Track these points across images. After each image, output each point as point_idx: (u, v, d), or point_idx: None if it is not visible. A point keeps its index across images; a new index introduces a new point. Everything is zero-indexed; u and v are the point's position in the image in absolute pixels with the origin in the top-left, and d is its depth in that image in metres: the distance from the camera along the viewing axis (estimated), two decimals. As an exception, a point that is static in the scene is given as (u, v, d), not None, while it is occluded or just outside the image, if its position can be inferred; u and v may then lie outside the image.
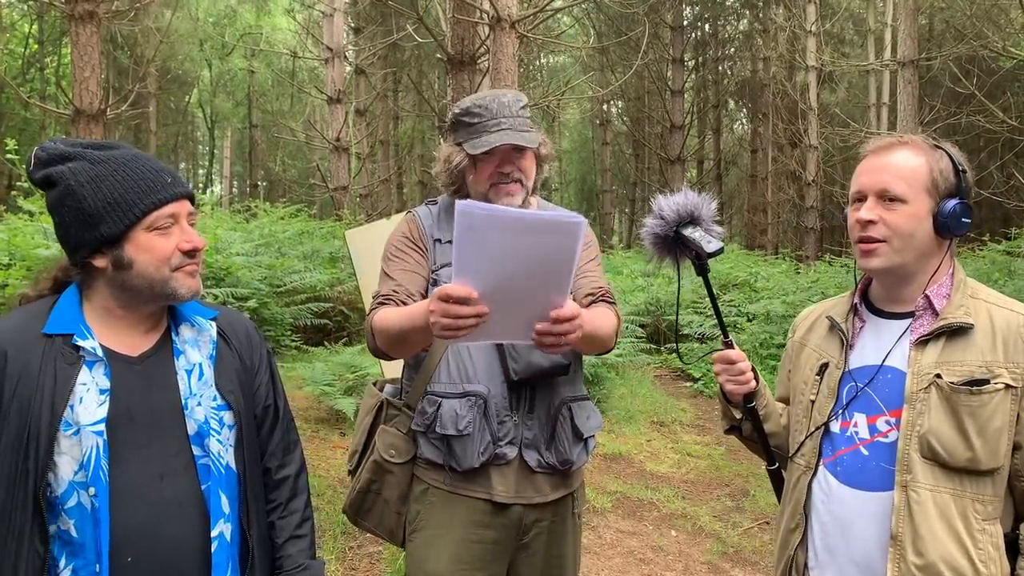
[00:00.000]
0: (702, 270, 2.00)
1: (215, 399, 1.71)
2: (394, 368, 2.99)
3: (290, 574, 1.81)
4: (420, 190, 25.47)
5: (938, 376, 1.71)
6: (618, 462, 6.50)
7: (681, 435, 7.48)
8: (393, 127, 25.42)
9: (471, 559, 2.17)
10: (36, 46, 26.49)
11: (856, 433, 1.83)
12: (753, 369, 2.04)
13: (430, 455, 2.20)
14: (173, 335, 1.73)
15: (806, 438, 1.94)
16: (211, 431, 1.67)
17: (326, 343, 8.64)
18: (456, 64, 7.12)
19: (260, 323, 8.44)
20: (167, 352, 1.70)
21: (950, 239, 1.79)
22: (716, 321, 2.10)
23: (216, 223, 11.08)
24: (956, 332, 1.74)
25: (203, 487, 1.65)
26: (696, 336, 10.45)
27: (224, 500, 1.67)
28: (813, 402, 1.94)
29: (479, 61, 7.34)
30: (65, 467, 1.54)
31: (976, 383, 1.68)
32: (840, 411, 1.87)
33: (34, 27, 26.19)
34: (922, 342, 1.76)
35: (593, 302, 2.27)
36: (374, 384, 2.46)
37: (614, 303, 2.31)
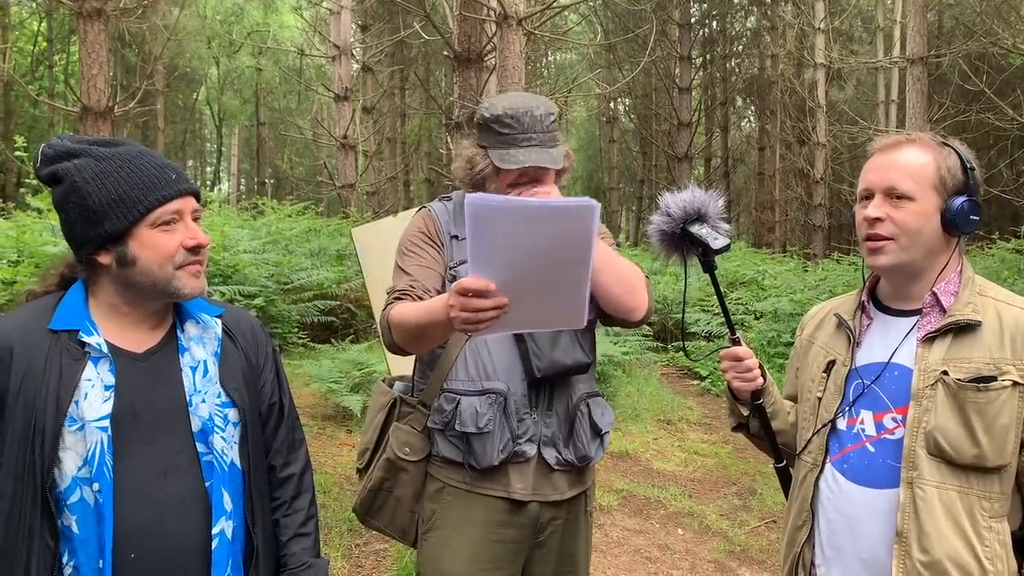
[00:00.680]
0: (709, 267, 1.99)
1: (219, 396, 1.71)
2: (402, 365, 2.97)
3: (294, 572, 1.80)
4: (427, 188, 25.49)
5: (945, 373, 1.71)
6: (625, 460, 6.49)
7: (688, 433, 7.47)
8: (400, 125, 25.45)
9: (489, 559, 2.16)
10: (45, 44, 26.58)
11: (863, 430, 1.83)
12: (761, 366, 2.03)
13: (448, 453, 2.18)
14: (178, 332, 1.73)
15: (813, 435, 1.94)
16: (215, 428, 1.67)
17: (333, 340, 8.66)
18: (463, 61, 7.11)
19: (267, 320, 8.46)
20: (172, 349, 1.71)
21: (958, 237, 1.79)
22: (723, 319, 2.10)
23: (223, 220, 11.10)
24: (964, 329, 1.73)
25: (207, 484, 1.65)
26: (703, 334, 10.43)
27: (227, 497, 1.67)
28: (820, 399, 1.94)
29: (486, 58, 7.33)
30: (69, 463, 1.54)
31: (983, 380, 1.67)
32: (847, 408, 1.87)
33: (43, 25, 26.28)
34: (929, 339, 1.76)
35: None
36: (383, 381, 2.45)
37: (647, 278, 2.29)
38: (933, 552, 1.67)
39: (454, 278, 2.18)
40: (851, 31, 26.81)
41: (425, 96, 23.05)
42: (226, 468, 1.68)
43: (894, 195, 1.78)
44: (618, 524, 5.09)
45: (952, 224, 1.75)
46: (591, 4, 21.67)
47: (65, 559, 1.55)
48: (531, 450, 2.16)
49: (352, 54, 16.45)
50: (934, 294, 1.79)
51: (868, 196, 1.83)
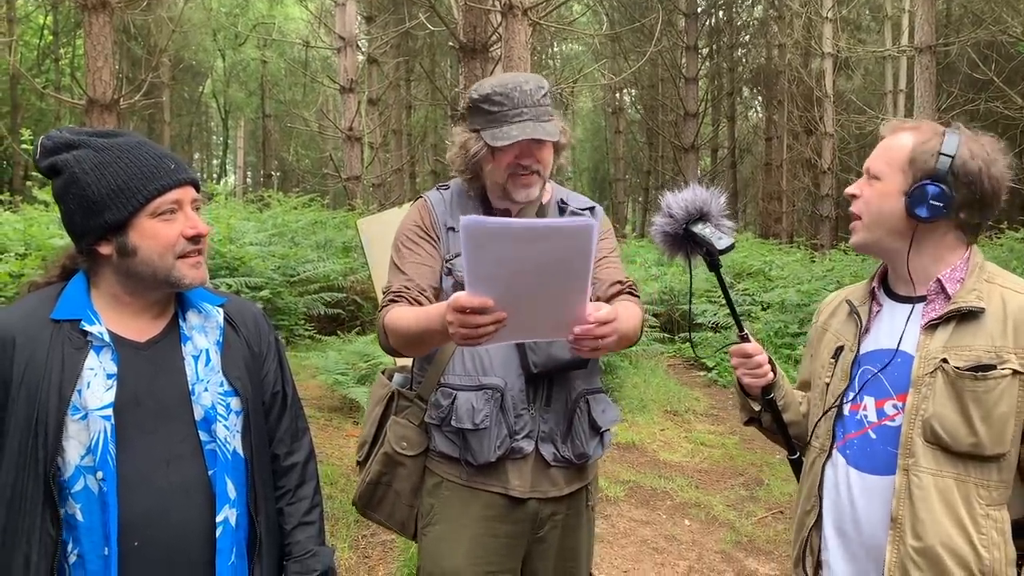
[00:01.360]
0: (714, 266, 1.98)
1: (222, 385, 1.71)
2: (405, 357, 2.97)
3: (299, 560, 1.81)
4: (433, 179, 25.46)
5: (944, 361, 1.70)
6: (631, 451, 6.49)
7: (695, 424, 7.46)
8: (406, 116, 25.41)
9: (487, 554, 2.15)
10: (51, 37, 26.61)
11: (865, 416, 1.84)
12: (770, 360, 2.02)
13: (445, 448, 2.16)
14: (180, 321, 1.73)
15: (819, 420, 1.94)
16: (218, 417, 1.68)
17: (339, 332, 8.65)
18: (468, 52, 7.09)
19: (273, 312, 8.47)
20: (174, 338, 1.71)
21: (917, 221, 1.75)
22: (730, 311, 2.08)
23: (230, 213, 11.11)
24: (967, 316, 1.72)
25: (210, 473, 1.66)
26: (710, 325, 10.42)
27: (230, 486, 1.68)
28: (828, 385, 1.94)
29: (491, 49, 7.30)
30: (72, 451, 1.55)
31: (982, 368, 1.66)
32: (851, 395, 1.87)
33: (48, 18, 26.30)
34: (932, 326, 1.75)
35: (619, 293, 2.25)
36: (383, 373, 2.43)
37: (638, 296, 2.30)
38: (926, 538, 1.67)
39: (450, 271, 2.17)
40: (859, 20, 26.65)
41: (431, 87, 23.03)
42: (229, 456, 1.68)
43: (870, 175, 1.83)
44: (625, 515, 5.09)
45: (909, 208, 1.74)
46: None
47: (69, 547, 1.56)
48: (528, 446, 2.14)
49: (357, 46, 16.42)
50: (939, 281, 1.78)
51: None
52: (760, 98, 31.41)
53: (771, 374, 2.00)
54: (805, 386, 2.14)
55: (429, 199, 2.29)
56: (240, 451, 1.72)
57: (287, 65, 29.75)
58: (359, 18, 18.64)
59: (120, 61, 22.22)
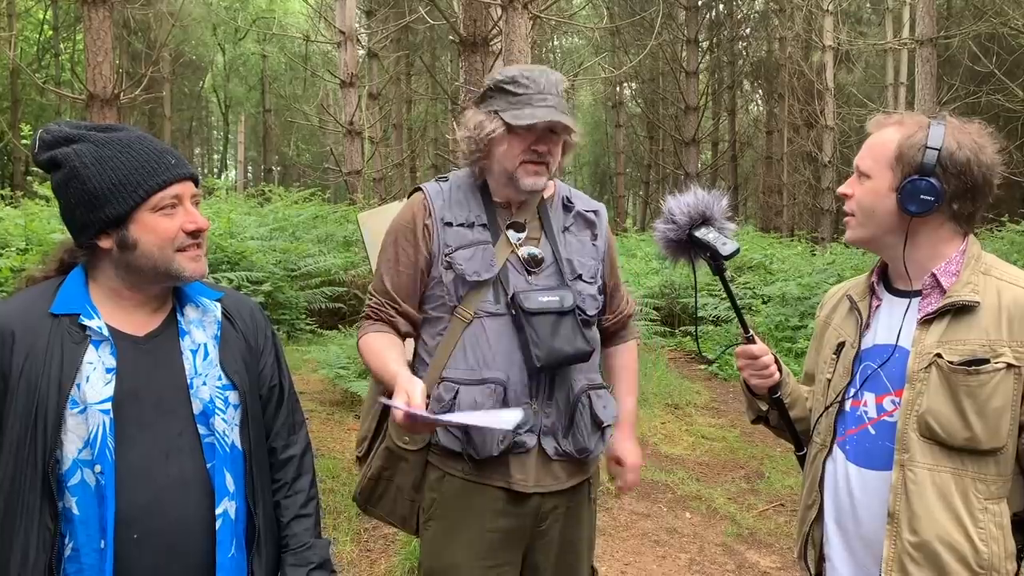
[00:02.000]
0: (718, 270, 1.97)
1: (220, 379, 1.72)
2: (407, 350, 2.97)
3: (295, 552, 1.81)
4: (433, 173, 25.38)
5: (938, 356, 1.69)
6: (632, 444, 6.49)
7: (696, 417, 7.47)
8: (406, 111, 25.38)
9: (489, 548, 2.14)
10: (51, 32, 26.57)
11: (865, 412, 1.84)
12: (776, 360, 2.02)
13: (447, 443, 2.15)
14: (179, 315, 1.74)
15: (820, 416, 1.94)
16: (216, 410, 1.68)
17: (340, 326, 8.67)
18: (469, 46, 7.08)
19: (274, 307, 8.48)
20: (173, 332, 1.72)
21: (910, 216, 1.75)
22: (735, 314, 2.08)
23: (230, 208, 11.13)
24: (962, 310, 1.71)
25: (208, 466, 1.66)
26: (711, 319, 10.42)
27: (229, 478, 1.68)
28: (830, 381, 1.94)
29: (492, 43, 7.28)
30: (70, 445, 1.56)
31: (975, 362, 1.66)
32: (853, 391, 1.87)
33: (48, 13, 26.26)
34: (927, 321, 1.75)
35: (624, 329, 2.48)
36: None
37: (633, 315, 2.44)
38: (923, 534, 1.67)
39: (450, 264, 2.16)
40: (859, 12, 26.59)
41: (431, 81, 22.98)
42: (227, 450, 1.69)
43: (859, 173, 1.83)
44: (626, 508, 5.10)
45: (901, 203, 1.74)
46: (597, -13, 21.53)
47: (65, 540, 1.57)
48: (531, 441, 2.14)
49: (357, 40, 16.38)
50: (934, 275, 1.77)
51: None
52: (761, 91, 31.34)
53: (777, 374, 1.99)
54: (810, 378, 2.13)
55: (428, 192, 2.26)
56: (238, 444, 1.72)
57: (287, 59, 29.66)
58: (359, 12, 18.60)
59: (120, 56, 22.19)
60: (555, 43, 31.54)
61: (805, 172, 22.59)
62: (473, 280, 2.12)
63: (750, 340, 1.99)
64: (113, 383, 1.59)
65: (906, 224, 1.76)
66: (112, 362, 1.60)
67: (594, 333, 2.28)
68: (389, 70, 21.08)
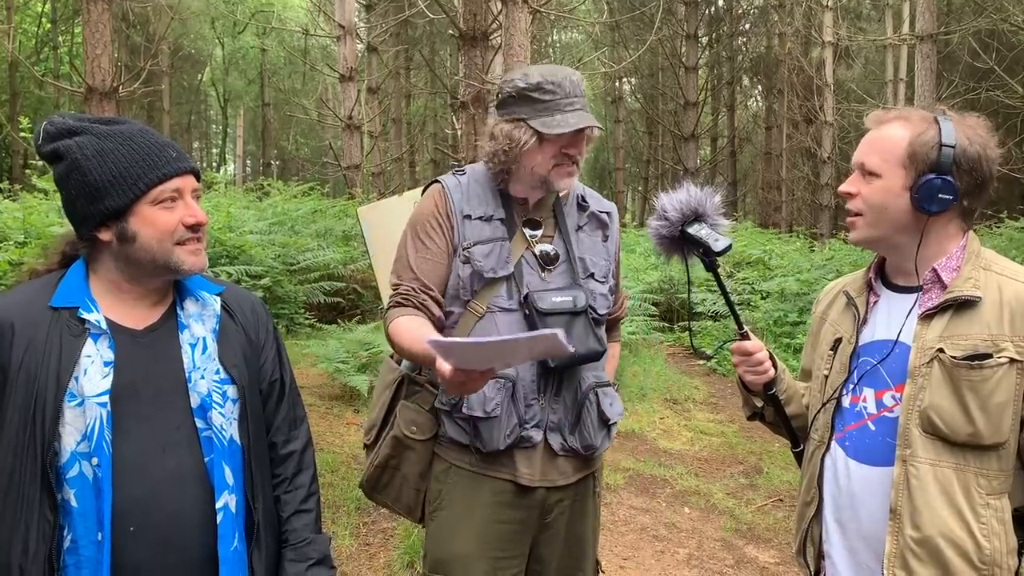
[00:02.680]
0: (711, 267, 1.98)
1: (218, 373, 1.72)
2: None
3: (295, 547, 1.82)
4: (432, 168, 25.42)
5: (940, 351, 1.69)
6: (631, 439, 6.50)
7: (694, 413, 7.48)
8: (405, 105, 25.34)
9: (495, 540, 2.16)
10: (49, 25, 26.49)
11: (865, 408, 1.83)
12: (772, 356, 2.02)
13: (454, 435, 2.17)
14: (178, 309, 1.74)
15: (818, 413, 1.94)
16: (214, 404, 1.68)
17: (339, 321, 8.66)
18: (468, 40, 7.06)
19: (274, 301, 8.48)
20: (172, 326, 1.72)
21: (927, 216, 1.73)
22: (729, 310, 2.08)
23: (229, 202, 11.12)
24: (963, 305, 1.71)
25: (206, 460, 1.67)
26: (709, 315, 10.42)
27: (228, 472, 1.68)
28: (827, 377, 1.93)
29: (491, 37, 7.27)
30: (68, 438, 1.56)
31: (978, 357, 1.65)
32: (851, 386, 1.87)
33: (47, 6, 26.19)
34: (928, 316, 1.74)
35: (613, 320, 2.46)
36: (391, 358, 2.42)
37: (623, 316, 2.52)
38: (924, 529, 1.67)
39: (467, 259, 2.17)
40: (859, 8, 26.56)
41: (430, 76, 22.96)
42: (225, 444, 1.69)
43: (865, 171, 1.79)
44: (625, 503, 5.11)
45: (917, 203, 1.72)
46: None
47: (64, 532, 1.57)
48: (537, 436, 2.16)
49: (357, 34, 16.33)
50: (935, 270, 1.77)
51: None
52: (760, 87, 31.31)
53: (772, 370, 1.99)
54: (807, 375, 2.13)
55: (446, 185, 2.26)
56: (237, 439, 1.73)
57: (286, 53, 29.64)
58: (358, 6, 18.55)
59: (119, 49, 22.13)
60: (554, 38, 31.49)
61: (804, 168, 22.58)
62: (489, 276, 2.14)
63: (744, 336, 1.99)
64: (111, 376, 1.59)
65: (921, 223, 1.75)
66: (110, 355, 1.61)
67: (603, 332, 2.31)
68: (388, 64, 21.02)
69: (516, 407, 2.12)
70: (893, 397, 1.78)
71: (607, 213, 2.37)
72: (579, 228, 2.30)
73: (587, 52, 23.88)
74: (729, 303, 2.07)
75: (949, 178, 1.70)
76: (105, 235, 1.64)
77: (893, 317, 1.82)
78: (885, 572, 1.72)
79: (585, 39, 29.70)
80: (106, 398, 1.57)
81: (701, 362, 9.55)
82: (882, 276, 1.93)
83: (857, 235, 1.85)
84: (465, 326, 2.17)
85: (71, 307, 1.63)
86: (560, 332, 1.51)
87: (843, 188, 1.85)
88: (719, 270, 2.01)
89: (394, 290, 2.21)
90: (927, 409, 1.69)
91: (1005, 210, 12.69)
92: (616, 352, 2.54)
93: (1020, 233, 10.79)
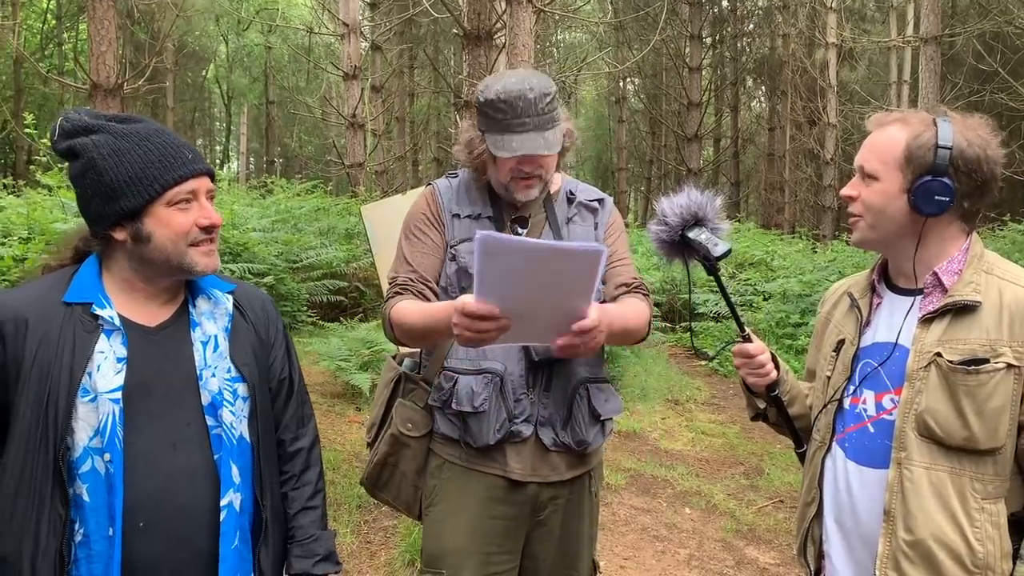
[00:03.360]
0: (712, 270, 1.98)
1: (229, 371, 1.73)
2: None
3: (302, 544, 1.84)
4: (435, 167, 25.43)
5: (938, 355, 1.69)
6: (632, 439, 6.51)
7: (696, 413, 7.48)
8: (409, 104, 25.34)
9: (487, 535, 2.18)
10: (54, 21, 26.52)
11: (864, 410, 1.84)
12: (774, 357, 2.02)
13: (446, 430, 2.21)
14: (190, 307, 1.76)
15: (819, 414, 1.95)
16: (224, 402, 1.70)
17: (342, 319, 8.67)
18: (472, 40, 7.07)
19: (276, 299, 8.49)
20: (184, 323, 1.73)
21: (925, 218, 1.73)
22: (730, 313, 2.08)
23: (233, 199, 11.13)
24: (963, 309, 1.71)
25: (215, 457, 1.68)
26: (711, 315, 10.42)
27: (235, 470, 1.70)
28: (829, 378, 1.94)
29: (496, 36, 7.28)
30: (81, 433, 1.58)
31: (975, 362, 1.65)
32: (852, 388, 1.87)
33: (52, 2, 26.21)
34: (928, 319, 1.74)
35: (626, 293, 2.27)
36: (392, 357, 2.46)
37: (647, 294, 2.31)
38: (917, 532, 1.67)
39: (454, 257, 2.20)
40: (863, 10, 26.54)
41: (434, 75, 22.95)
42: (234, 441, 1.70)
43: (864, 174, 1.80)
44: (626, 503, 5.12)
45: (914, 205, 1.72)
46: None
47: (76, 526, 1.59)
48: (527, 430, 2.17)
49: (361, 32, 16.36)
50: (935, 274, 1.77)
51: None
52: (763, 88, 31.29)
53: (774, 372, 1.99)
54: (811, 375, 2.14)
55: (437, 187, 2.33)
56: (246, 436, 1.74)
57: (290, 51, 29.61)
58: (362, 5, 18.56)
59: (123, 46, 22.14)
60: (558, 37, 31.47)
61: (807, 169, 22.57)
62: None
63: (746, 339, 1.99)
64: (124, 372, 1.61)
65: (919, 225, 1.74)
66: (123, 351, 1.62)
67: None
68: (392, 63, 21.02)
69: (505, 402, 2.14)
70: (892, 400, 1.78)
71: (597, 201, 2.36)
72: (569, 220, 2.30)
73: (591, 52, 23.88)
74: (730, 306, 2.07)
75: (946, 180, 1.69)
76: (120, 235, 1.65)
77: (895, 319, 1.83)
78: (877, 573, 1.73)
79: (589, 39, 29.70)
80: (119, 394, 1.59)
81: (703, 363, 9.55)
82: (885, 278, 1.93)
83: (857, 237, 1.86)
84: None
85: (85, 303, 1.64)
86: (606, 250, 1.53)
87: (844, 192, 1.86)
88: (720, 273, 2.01)
89: (391, 283, 2.24)
90: (923, 413, 1.69)
91: (1008, 212, 12.67)
92: (639, 305, 2.24)
93: (1023, 236, 10.77)
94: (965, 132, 1.72)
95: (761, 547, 4.59)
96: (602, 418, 2.25)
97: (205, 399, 1.68)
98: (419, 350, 2.39)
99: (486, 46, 7.13)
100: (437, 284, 2.23)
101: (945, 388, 1.68)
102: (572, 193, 2.34)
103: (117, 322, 1.63)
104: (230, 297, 1.82)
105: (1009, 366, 1.65)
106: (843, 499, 1.85)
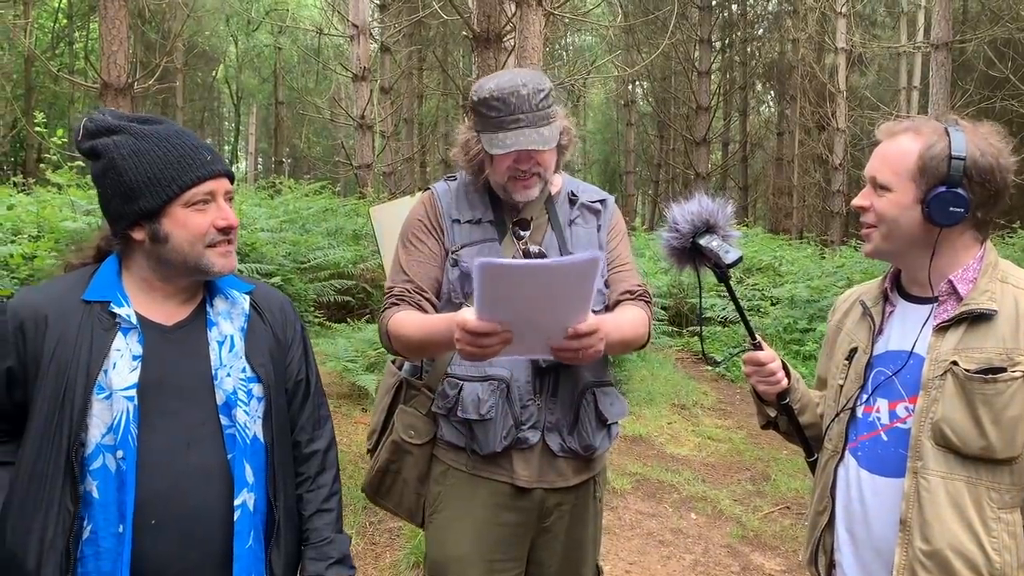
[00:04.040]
0: (723, 278, 1.97)
1: (244, 371, 1.74)
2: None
3: (316, 546, 1.83)
4: (443, 169, 25.43)
5: (954, 363, 1.68)
6: (639, 444, 6.50)
7: (702, 418, 7.47)
8: (417, 105, 25.37)
9: (492, 542, 2.16)
10: (65, 20, 26.63)
11: (878, 419, 1.83)
12: (785, 365, 2.01)
13: (451, 438, 2.18)
14: (208, 307, 1.77)
15: (831, 422, 1.94)
16: (239, 402, 1.70)
17: (349, 320, 8.68)
18: (482, 42, 7.07)
19: (284, 299, 8.49)
20: (201, 323, 1.74)
21: (939, 228, 1.72)
22: (741, 320, 2.07)
23: (241, 199, 11.15)
24: (979, 318, 1.70)
25: (229, 456, 1.68)
26: (719, 320, 10.40)
27: (248, 470, 1.70)
28: (842, 386, 1.93)
29: (505, 39, 7.28)
30: (95, 430, 1.59)
31: (992, 371, 1.65)
32: (865, 397, 1.86)
33: (63, 2, 26.33)
34: (943, 328, 1.74)
35: (628, 300, 2.25)
36: (392, 362, 2.44)
37: (649, 301, 2.30)
38: (934, 542, 1.66)
39: (456, 262, 2.18)
40: (873, 16, 26.48)
41: (443, 77, 22.99)
42: (248, 441, 1.71)
43: (877, 185, 1.79)
44: (631, 507, 5.11)
45: (928, 216, 1.71)
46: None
47: (84, 523, 1.59)
48: (534, 437, 2.15)
49: (370, 34, 16.38)
50: (950, 282, 1.76)
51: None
52: (772, 93, 31.26)
53: (785, 380, 1.98)
54: (823, 383, 2.13)
55: (436, 191, 2.30)
56: (260, 436, 1.74)
57: (300, 52, 29.71)
58: (372, 6, 18.60)
59: (134, 45, 22.23)
60: (568, 40, 31.48)
61: (816, 175, 22.54)
62: None
63: (757, 347, 1.98)
64: (139, 370, 1.62)
65: (933, 236, 1.74)
66: (139, 350, 1.63)
67: None
68: (401, 65, 21.06)
69: (511, 408, 2.12)
70: (906, 408, 1.77)
71: (600, 202, 2.34)
72: (572, 222, 2.28)
73: (600, 55, 23.88)
74: (741, 313, 2.06)
75: (960, 190, 1.69)
76: (138, 234, 1.67)
77: (908, 328, 1.82)
78: None
79: (599, 42, 29.71)
80: (133, 392, 1.60)
81: (709, 367, 9.53)
82: (898, 286, 1.92)
83: (871, 248, 1.85)
84: None
85: (103, 301, 1.65)
86: (601, 256, 1.52)
87: (856, 202, 1.84)
88: (731, 280, 2.00)
89: (388, 292, 2.22)
90: (939, 422, 1.68)
91: (1017, 220, 12.61)
92: (634, 311, 2.22)
93: (1033, 244, 10.72)
94: (977, 141, 1.71)
95: (767, 553, 4.57)
96: (608, 422, 2.23)
97: (219, 398, 1.69)
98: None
99: (495, 48, 7.13)
100: (435, 295, 2.21)
101: (962, 397, 1.67)
102: (574, 194, 2.33)
103: (134, 320, 1.65)
104: (247, 297, 1.82)
105: None
106: (855, 508, 1.84)
